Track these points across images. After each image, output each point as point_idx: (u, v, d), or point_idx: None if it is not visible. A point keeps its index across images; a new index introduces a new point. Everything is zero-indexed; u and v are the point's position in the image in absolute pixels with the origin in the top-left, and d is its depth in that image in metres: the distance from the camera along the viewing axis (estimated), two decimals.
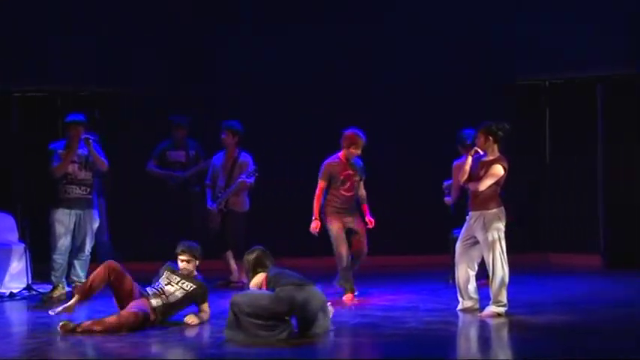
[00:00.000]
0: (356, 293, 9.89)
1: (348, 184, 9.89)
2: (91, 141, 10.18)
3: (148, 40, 12.37)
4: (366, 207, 10.07)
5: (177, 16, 12.43)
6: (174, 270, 8.63)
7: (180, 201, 11.41)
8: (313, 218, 9.79)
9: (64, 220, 10.20)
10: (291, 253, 11.15)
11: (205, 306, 8.57)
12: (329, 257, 9.99)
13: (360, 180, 10.02)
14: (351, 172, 9.90)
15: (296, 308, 7.82)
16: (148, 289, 8.52)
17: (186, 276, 8.58)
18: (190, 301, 8.55)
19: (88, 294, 8.38)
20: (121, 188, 11.81)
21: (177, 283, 8.53)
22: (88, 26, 12.18)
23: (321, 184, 9.84)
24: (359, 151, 9.86)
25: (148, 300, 8.38)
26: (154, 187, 11.57)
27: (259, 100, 12.60)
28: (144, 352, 7.57)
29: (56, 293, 10.18)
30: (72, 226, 10.25)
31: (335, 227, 9.81)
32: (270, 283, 8.04)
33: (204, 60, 12.60)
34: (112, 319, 8.13)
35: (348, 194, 9.90)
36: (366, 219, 10.03)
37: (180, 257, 8.59)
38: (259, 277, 8.17)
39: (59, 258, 10.21)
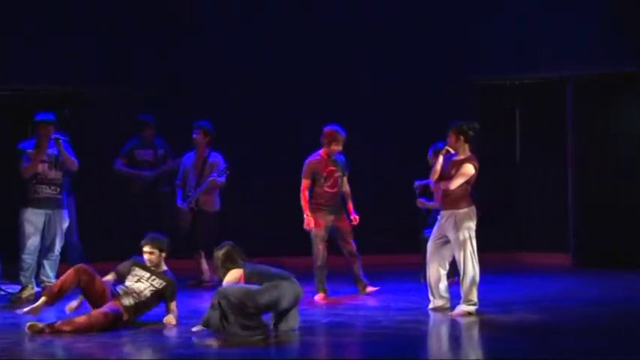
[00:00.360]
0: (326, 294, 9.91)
1: (331, 180, 9.92)
2: (61, 141, 10.12)
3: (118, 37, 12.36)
4: (350, 204, 10.10)
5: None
6: (142, 264, 8.57)
7: (149, 200, 11.35)
8: (305, 215, 9.80)
9: (33, 220, 10.12)
10: (292, 253, 11.30)
11: (173, 305, 8.52)
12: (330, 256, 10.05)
13: (343, 176, 10.05)
14: (333, 168, 9.93)
15: (284, 301, 7.85)
16: (118, 288, 8.47)
17: (156, 272, 8.53)
18: (160, 298, 8.50)
19: (56, 297, 8.30)
20: (90, 188, 11.71)
21: (147, 280, 8.48)
22: (58, 24, 12.12)
23: (305, 182, 9.87)
24: (340, 147, 9.89)
25: (120, 300, 8.33)
26: (123, 186, 11.49)
27: (258, 99, 12.64)
28: (113, 352, 7.53)
29: (25, 293, 10.10)
30: (41, 225, 10.17)
31: (317, 225, 9.81)
32: (251, 278, 8.00)
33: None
34: (81, 319, 8.08)
35: (332, 191, 9.93)
36: (351, 217, 10.05)
37: (145, 249, 8.53)
38: (236, 273, 8.09)
39: (28, 258, 10.13)
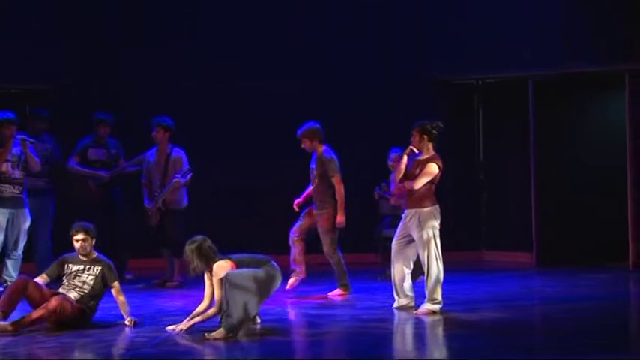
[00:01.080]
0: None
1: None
2: (27, 142, 10.09)
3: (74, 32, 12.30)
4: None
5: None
6: (73, 258, 8.49)
7: (103, 201, 11.19)
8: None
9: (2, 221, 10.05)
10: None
11: (117, 283, 8.45)
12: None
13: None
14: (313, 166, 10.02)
15: (275, 285, 8.02)
16: (61, 289, 8.42)
17: (89, 260, 8.46)
18: (104, 283, 8.43)
19: (9, 312, 8.21)
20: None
21: (84, 271, 8.43)
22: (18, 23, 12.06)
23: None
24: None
25: (66, 295, 8.30)
26: (75, 186, 11.29)
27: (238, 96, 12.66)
28: (77, 353, 7.49)
29: None
30: (5, 225, 10.11)
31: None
32: (242, 265, 8.00)
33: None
34: (38, 311, 8.07)
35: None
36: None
37: (77, 237, 8.44)
38: (226, 264, 8.02)
39: None
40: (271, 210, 12.14)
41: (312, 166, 9.99)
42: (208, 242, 8.12)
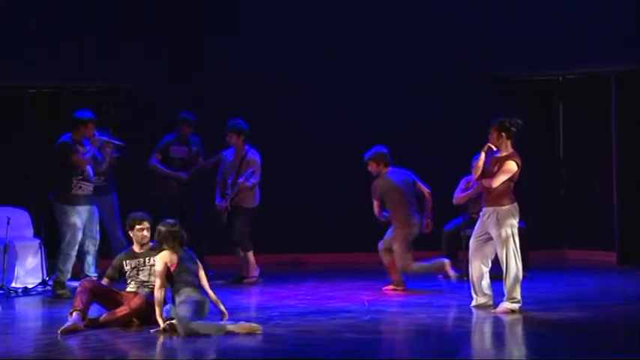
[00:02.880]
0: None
1: None
2: (112, 144, 10.29)
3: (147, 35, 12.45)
4: None
5: (173, 13, 12.50)
6: (129, 254, 8.56)
7: (183, 198, 11.30)
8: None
9: (77, 215, 10.19)
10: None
11: None
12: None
13: None
14: None
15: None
16: (128, 289, 8.49)
17: (145, 252, 8.51)
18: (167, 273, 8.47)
19: (85, 314, 8.31)
20: (130, 184, 11.73)
21: (144, 265, 8.48)
22: (97, 21, 12.24)
23: None
24: None
25: (140, 294, 8.38)
26: (157, 185, 11.41)
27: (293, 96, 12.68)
28: (159, 348, 7.59)
29: (62, 290, 10.16)
30: (84, 221, 10.26)
31: None
32: (180, 273, 8.06)
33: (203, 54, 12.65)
34: (122, 309, 8.19)
35: None
36: None
37: (140, 227, 8.51)
38: (173, 257, 8.09)
39: (72, 252, 10.20)
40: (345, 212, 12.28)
41: None
42: (182, 233, 8.16)
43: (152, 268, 8.35)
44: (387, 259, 10.12)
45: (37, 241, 10.86)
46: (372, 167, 10.13)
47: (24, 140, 12.20)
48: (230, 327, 7.81)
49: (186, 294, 7.99)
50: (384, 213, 10.13)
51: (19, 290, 10.44)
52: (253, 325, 7.84)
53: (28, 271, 10.77)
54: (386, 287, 10.11)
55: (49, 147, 10.87)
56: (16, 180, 12.10)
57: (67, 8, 12.17)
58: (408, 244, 10.00)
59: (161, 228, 8.19)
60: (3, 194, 11.47)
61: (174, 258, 8.10)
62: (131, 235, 8.62)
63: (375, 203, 10.07)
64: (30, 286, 10.53)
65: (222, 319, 8.10)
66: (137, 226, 8.56)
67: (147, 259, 8.49)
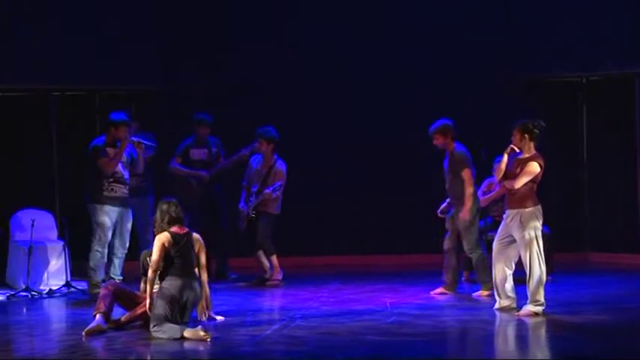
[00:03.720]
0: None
1: None
2: (143, 145, 10.29)
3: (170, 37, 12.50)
4: None
5: (194, 17, 12.55)
6: (150, 252, 8.50)
7: (205, 200, 11.33)
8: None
9: (108, 217, 10.20)
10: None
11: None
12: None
13: None
14: None
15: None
16: (143, 285, 8.49)
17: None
18: None
19: (109, 317, 8.38)
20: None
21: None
22: (120, 26, 12.31)
23: None
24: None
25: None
26: (177, 186, 11.45)
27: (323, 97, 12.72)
28: (180, 350, 7.61)
29: (95, 290, 10.21)
30: (114, 223, 10.29)
31: None
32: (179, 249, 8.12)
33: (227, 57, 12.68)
34: (142, 307, 8.23)
35: None
36: None
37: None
38: (165, 239, 8.13)
39: (102, 254, 10.23)
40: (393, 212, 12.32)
41: (445, 164, 9.89)
42: (176, 208, 8.21)
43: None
44: (453, 260, 9.93)
45: (61, 243, 10.92)
46: (438, 141, 9.72)
47: (48, 143, 12.28)
48: (186, 333, 7.79)
49: (166, 283, 8.02)
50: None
51: (43, 292, 10.50)
52: (201, 332, 7.75)
53: (52, 273, 10.84)
54: (476, 293, 9.83)
55: (73, 150, 10.97)
56: (41, 183, 12.18)
57: (89, 11, 12.24)
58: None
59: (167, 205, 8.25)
60: (27, 197, 11.56)
61: (169, 239, 8.10)
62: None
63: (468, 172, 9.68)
64: (54, 288, 10.59)
65: (197, 319, 8.18)
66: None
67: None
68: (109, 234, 10.23)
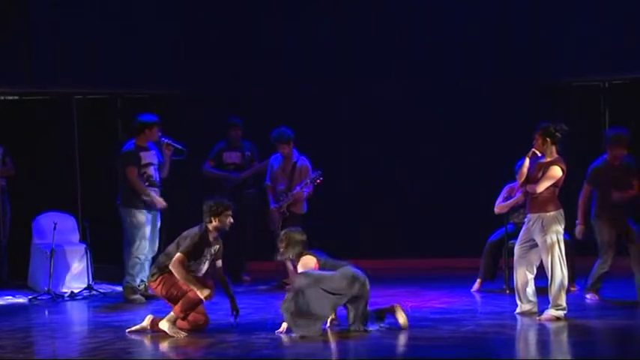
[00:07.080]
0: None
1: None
2: (172, 147, 10.31)
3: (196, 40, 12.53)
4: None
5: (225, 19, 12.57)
6: (206, 240, 8.51)
7: (236, 202, 11.36)
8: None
9: (144, 221, 10.17)
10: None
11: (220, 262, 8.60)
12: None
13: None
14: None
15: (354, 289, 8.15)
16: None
17: (214, 241, 8.51)
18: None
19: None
20: (180, 188, 11.80)
21: (210, 255, 8.47)
22: (142, 28, 12.35)
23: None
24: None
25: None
26: (210, 189, 11.52)
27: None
28: (201, 353, 7.62)
29: (133, 295, 10.21)
30: (150, 227, 10.27)
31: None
32: (326, 266, 8.27)
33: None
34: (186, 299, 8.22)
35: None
36: None
37: (227, 212, 8.48)
38: (311, 260, 8.28)
39: (139, 258, 10.21)
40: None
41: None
42: (303, 235, 8.42)
43: (210, 257, 8.40)
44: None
45: (82, 246, 10.96)
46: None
47: (70, 146, 12.34)
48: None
49: None
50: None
51: (65, 295, 10.55)
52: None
53: (74, 275, 10.90)
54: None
55: (95, 153, 11.00)
56: (62, 186, 12.24)
57: (112, 15, 12.30)
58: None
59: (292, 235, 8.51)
60: (50, 199, 11.61)
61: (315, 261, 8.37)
62: (213, 221, 8.44)
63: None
64: (76, 291, 10.64)
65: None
66: (225, 212, 8.47)
67: (213, 248, 8.50)
68: (144, 240, 10.20)
